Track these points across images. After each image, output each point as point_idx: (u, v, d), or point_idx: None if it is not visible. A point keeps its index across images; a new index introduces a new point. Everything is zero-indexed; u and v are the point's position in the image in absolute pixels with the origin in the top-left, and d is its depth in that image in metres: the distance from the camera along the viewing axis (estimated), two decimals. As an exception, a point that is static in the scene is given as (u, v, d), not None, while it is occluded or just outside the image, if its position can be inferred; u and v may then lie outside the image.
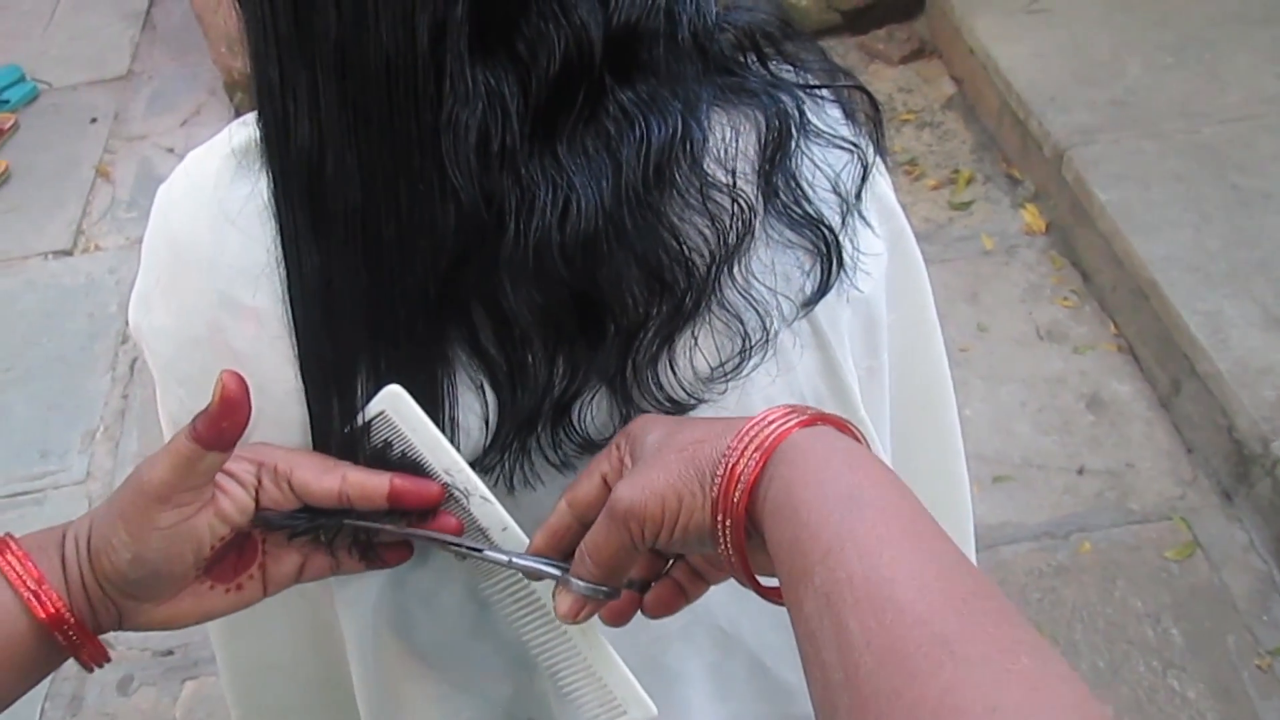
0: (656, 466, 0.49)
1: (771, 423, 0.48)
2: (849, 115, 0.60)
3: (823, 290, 0.58)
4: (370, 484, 0.54)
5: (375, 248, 0.51)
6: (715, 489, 0.47)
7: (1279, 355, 1.86)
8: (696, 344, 0.56)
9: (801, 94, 0.57)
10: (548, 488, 0.57)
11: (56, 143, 3.15)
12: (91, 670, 0.54)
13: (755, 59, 0.56)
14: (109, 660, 0.54)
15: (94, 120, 3.21)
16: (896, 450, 0.70)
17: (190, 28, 3.17)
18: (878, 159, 0.60)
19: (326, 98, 0.49)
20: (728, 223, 0.54)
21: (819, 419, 0.49)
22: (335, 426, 0.55)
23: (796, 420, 0.48)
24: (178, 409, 0.60)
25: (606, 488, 0.53)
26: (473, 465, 0.55)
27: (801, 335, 0.59)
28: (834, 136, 0.58)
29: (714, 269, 0.54)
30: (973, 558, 0.92)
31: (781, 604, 0.47)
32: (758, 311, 0.56)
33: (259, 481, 0.54)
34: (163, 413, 0.62)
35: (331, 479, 0.54)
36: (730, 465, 0.47)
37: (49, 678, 1.78)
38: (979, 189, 2.56)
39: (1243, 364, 1.86)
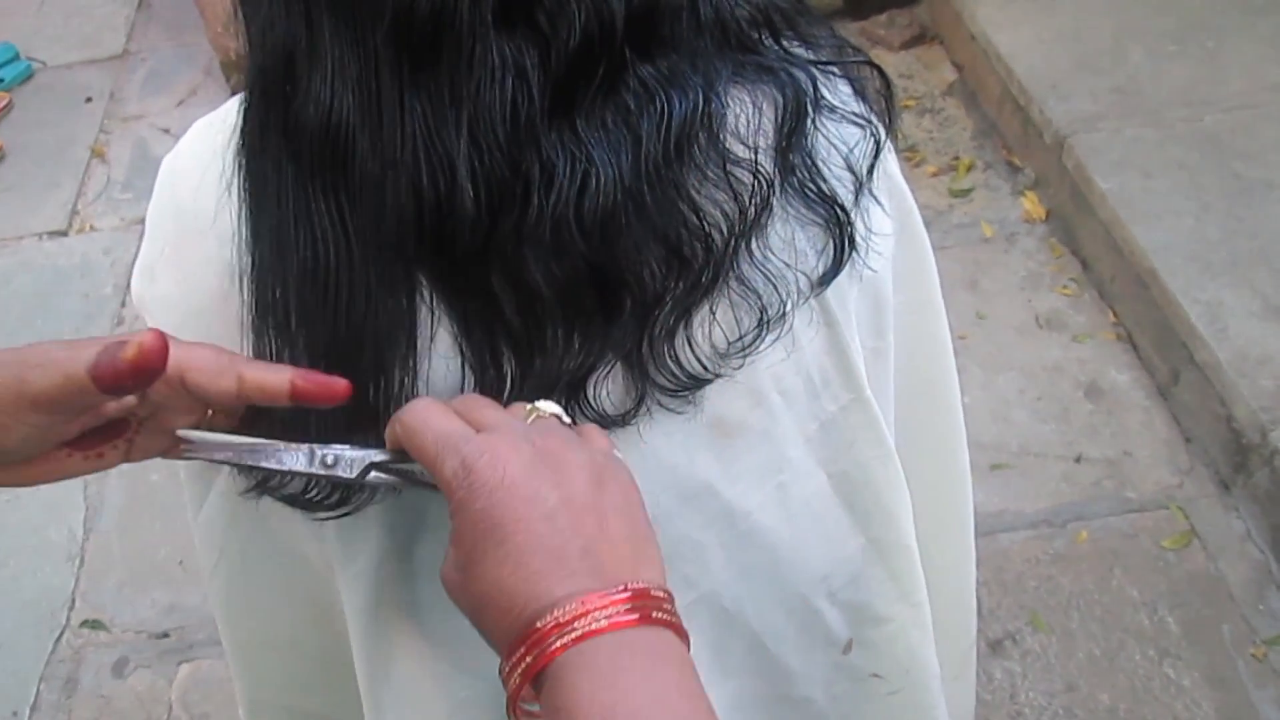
0: (465, 595, 0.47)
1: (588, 615, 0.43)
2: (858, 92, 0.59)
3: (836, 268, 0.58)
4: (269, 381, 0.50)
5: (392, 216, 0.50)
6: (519, 639, 0.44)
7: (1278, 345, 1.86)
8: (715, 319, 0.56)
9: (815, 70, 0.56)
10: None
11: (51, 122, 3.12)
12: None
13: (769, 35, 0.56)
14: None
15: (89, 100, 3.19)
16: (899, 434, 0.70)
17: (186, 7, 3.14)
18: (888, 137, 0.60)
19: (355, 58, 0.48)
20: (747, 198, 0.53)
21: (647, 620, 0.45)
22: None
23: (610, 623, 0.43)
24: None
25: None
26: None
27: (810, 313, 0.59)
28: (847, 112, 0.58)
29: (732, 244, 0.53)
30: (972, 541, 0.92)
31: None
32: (775, 287, 0.56)
33: None
34: None
35: (227, 379, 0.50)
36: (533, 641, 0.44)
37: (44, 660, 1.76)
38: (979, 176, 2.55)
39: (1242, 354, 1.85)
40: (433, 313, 0.53)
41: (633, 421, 0.57)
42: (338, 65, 0.49)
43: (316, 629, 0.71)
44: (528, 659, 0.43)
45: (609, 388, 0.56)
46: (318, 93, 0.49)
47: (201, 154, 0.58)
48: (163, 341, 0.46)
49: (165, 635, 1.88)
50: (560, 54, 0.48)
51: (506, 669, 0.44)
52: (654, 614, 0.45)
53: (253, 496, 0.58)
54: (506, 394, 0.54)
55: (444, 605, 0.64)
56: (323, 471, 0.53)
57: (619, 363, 0.55)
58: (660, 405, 0.57)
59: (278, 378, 0.50)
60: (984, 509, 1.85)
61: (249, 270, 0.53)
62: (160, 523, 2.02)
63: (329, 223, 0.51)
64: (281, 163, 0.52)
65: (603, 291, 0.53)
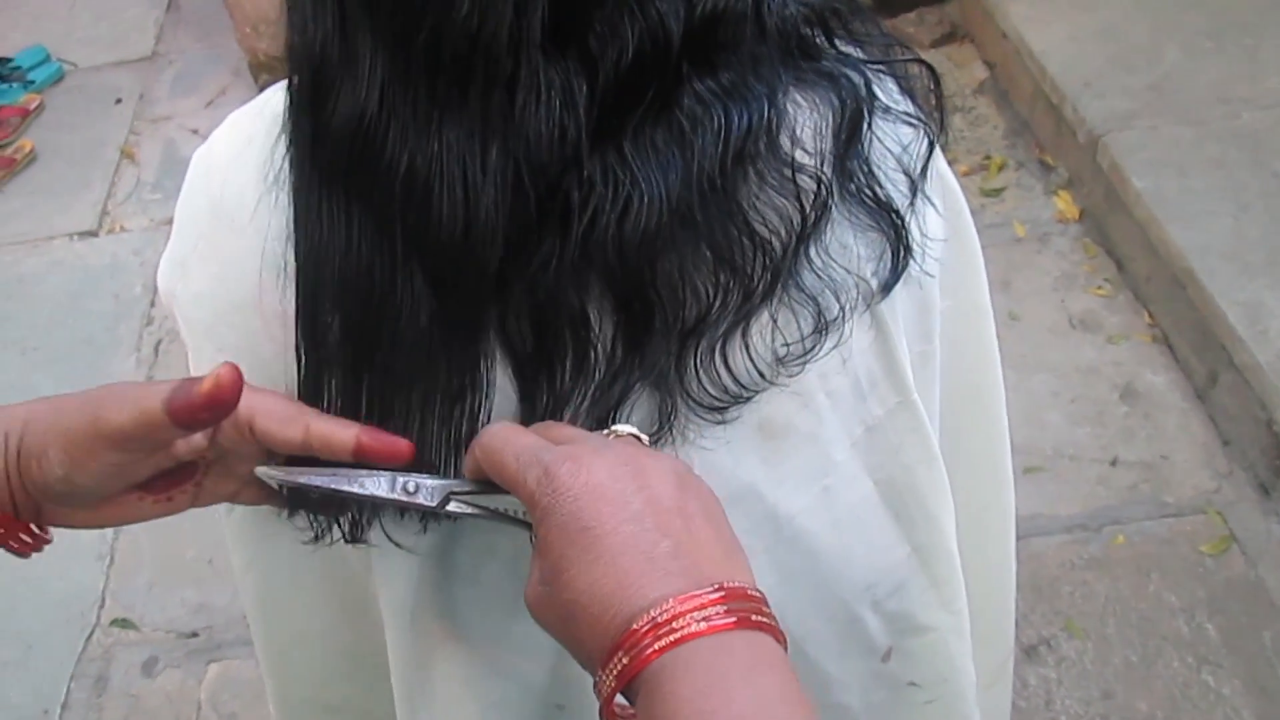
0: (550, 611, 0.46)
1: (685, 616, 0.42)
2: (905, 90, 0.58)
3: (895, 276, 0.56)
4: (336, 436, 0.51)
5: (425, 231, 0.49)
6: (601, 672, 0.43)
7: (1320, 347, 1.82)
8: (776, 326, 0.55)
9: (868, 71, 0.55)
10: None
11: (82, 124, 3.15)
12: (27, 556, 0.52)
13: (823, 36, 0.55)
14: (48, 541, 0.52)
15: (119, 101, 3.22)
16: (944, 440, 0.68)
17: (215, 9, 3.16)
18: (940, 136, 0.58)
19: (392, 71, 0.47)
20: (806, 205, 0.52)
21: (745, 624, 0.43)
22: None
23: (709, 626, 0.42)
24: None
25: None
26: None
27: (857, 315, 0.58)
28: (900, 112, 0.57)
29: (791, 250, 0.52)
30: (1013, 550, 0.91)
31: None
32: (835, 293, 0.55)
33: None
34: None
35: (294, 429, 0.50)
36: (629, 644, 0.42)
37: (74, 658, 1.77)
38: (1011, 175, 2.52)
39: (1283, 355, 1.82)
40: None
41: (668, 434, 0.56)
42: (369, 76, 0.48)
43: (349, 624, 0.71)
44: (623, 661, 0.42)
45: (637, 413, 0.55)
46: (347, 101, 0.48)
47: (235, 143, 0.57)
48: (237, 374, 0.47)
49: (194, 635, 1.88)
50: (609, 78, 0.47)
51: (600, 675, 0.43)
52: (752, 617, 0.43)
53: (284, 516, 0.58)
54: (538, 416, 0.53)
55: (481, 607, 0.64)
56: (404, 498, 0.52)
57: (650, 385, 0.54)
58: (701, 419, 0.56)
59: (345, 433, 0.51)
60: (1017, 513, 1.80)
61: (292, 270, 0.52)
62: (189, 522, 2.01)
63: (359, 233, 0.50)
64: (306, 166, 0.51)
65: (638, 314, 0.52)
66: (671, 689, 0.41)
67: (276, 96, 0.54)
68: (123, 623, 1.91)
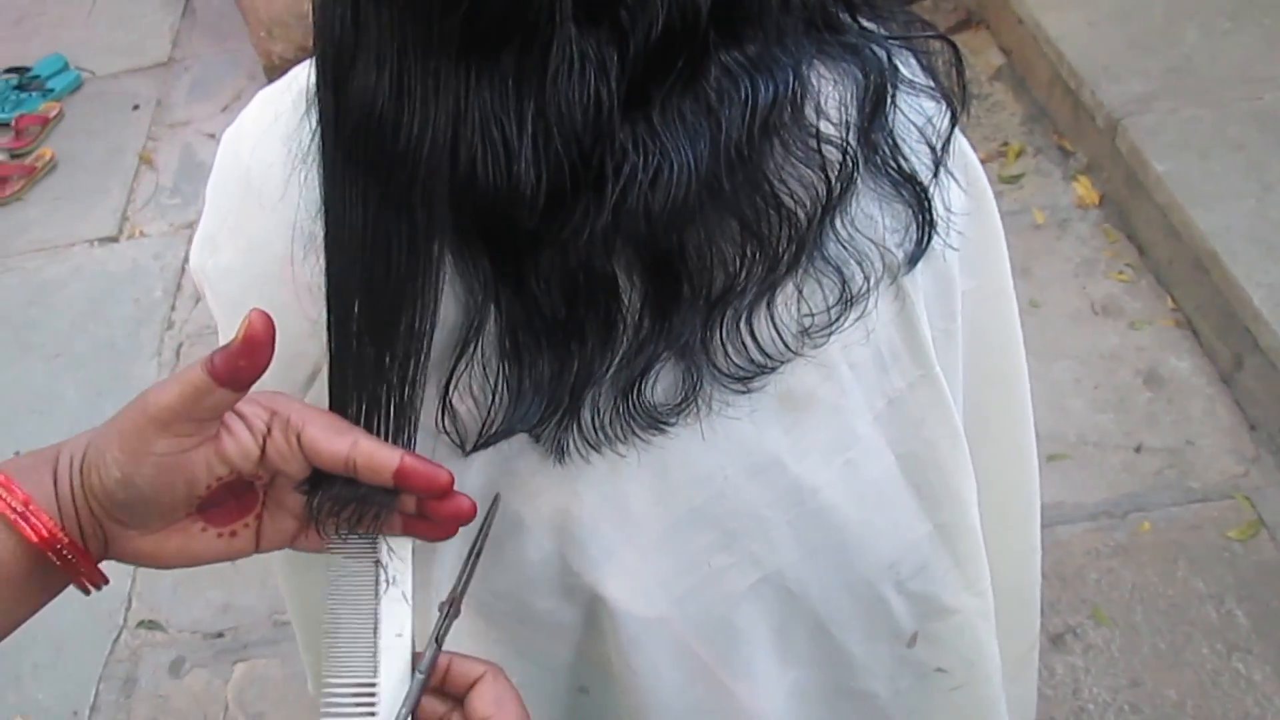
0: None
1: None
2: (925, 66, 0.58)
3: (920, 248, 0.57)
4: (380, 456, 0.51)
5: (463, 191, 0.49)
6: None
7: (1347, 328, 1.80)
8: (802, 296, 0.55)
9: (890, 45, 0.55)
10: (597, 464, 0.56)
11: (100, 130, 3.18)
12: (88, 593, 0.52)
13: (847, 10, 0.55)
14: (106, 583, 0.52)
15: (136, 107, 3.24)
16: (968, 425, 0.68)
17: (230, 13, 3.18)
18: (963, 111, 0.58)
19: (411, 44, 0.47)
20: (831, 176, 0.52)
21: None
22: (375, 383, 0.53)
23: None
24: None
25: None
26: (526, 430, 0.54)
27: (881, 286, 0.58)
28: (923, 85, 0.56)
29: (817, 220, 0.52)
30: (1038, 538, 0.90)
31: None
32: (859, 264, 0.55)
33: (269, 430, 0.51)
34: None
35: (342, 442, 0.51)
36: None
37: (102, 660, 1.79)
38: (1029, 162, 2.50)
39: (1309, 337, 1.80)
40: (480, 308, 0.52)
41: (693, 404, 0.56)
42: (385, 50, 0.47)
43: None
44: None
45: (661, 382, 0.55)
46: (363, 76, 0.48)
47: (263, 120, 0.57)
48: (268, 318, 0.47)
49: (220, 635, 1.90)
50: (639, 49, 0.47)
51: None
52: None
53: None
54: (566, 384, 0.53)
55: (506, 581, 0.63)
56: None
57: (674, 356, 0.54)
58: (724, 388, 0.56)
59: (389, 454, 0.51)
60: (1042, 500, 1.81)
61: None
62: (213, 524, 2.04)
63: (377, 210, 0.50)
64: (329, 143, 0.51)
65: (666, 283, 0.52)
66: None
67: (304, 72, 0.54)
68: (149, 624, 1.92)
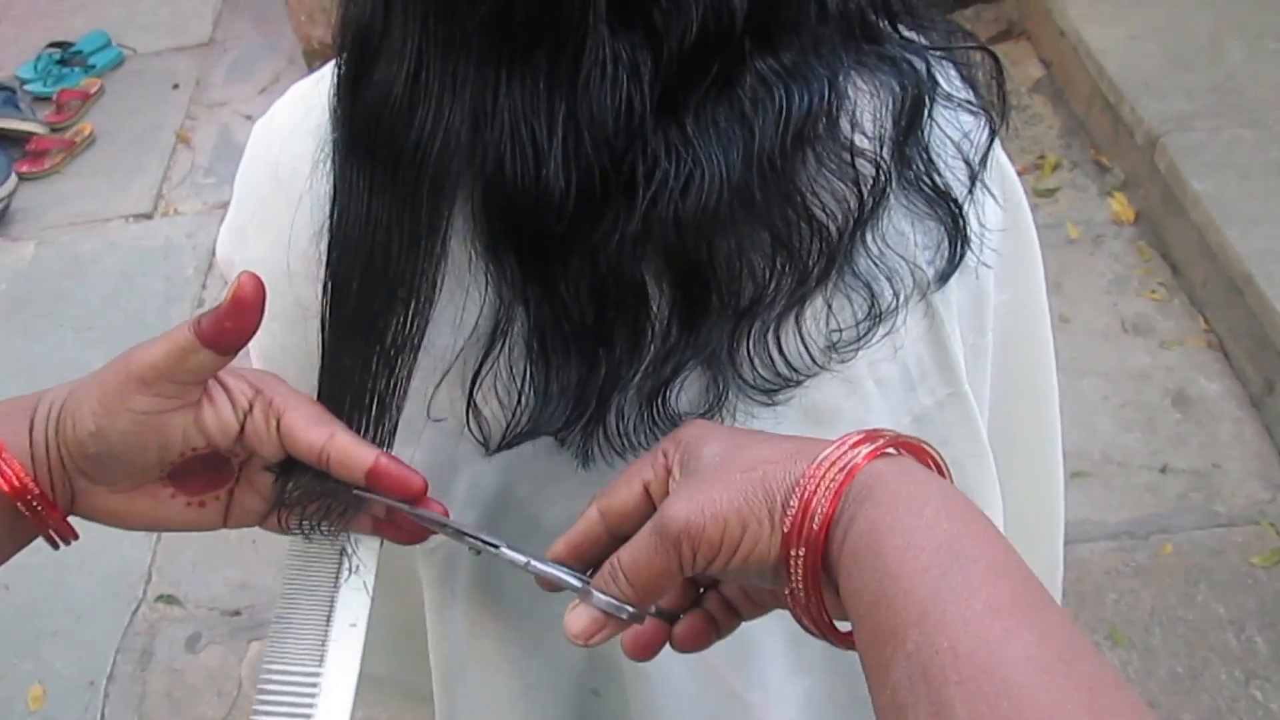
0: (718, 484, 0.44)
1: (853, 447, 0.43)
2: (965, 78, 0.57)
3: (952, 266, 0.56)
4: (354, 453, 0.50)
5: (490, 193, 0.49)
6: (788, 520, 0.43)
7: (1383, 357, 1.77)
8: (830, 310, 0.54)
9: (929, 56, 0.54)
10: (619, 470, 0.55)
11: (139, 108, 3.20)
12: (56, 547, 0.51)
13: (887, 20, 0.54)
14: (75, 537, 0.51)
15: (176, 86, 3.26)
16: (994, 439, 0.67)
17: (272, -4, 3.20)
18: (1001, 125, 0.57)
19: (434, 43, 0.47)
20: (864, 190, 0.51)
21: (899, 444, 0.45)
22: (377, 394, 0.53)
23: (874, 447, 0.43)
24: (270, 344, 0.59)
25: (648, 498, 0.49)
26: (551, 433, 0.53)
27: (910, 303, 0.57)
28: (962, 99, 0.56)
29: (848, 235, 0.52)
30: (1060, 556, 0.89)
31: (850, 648, 0.43)
32: (889, 281, 0.54)
33: (250, 408, 0.50)
34: (254, 350, 0.61)
35: (319, 433, 0.50)
36: (806, 495, 0.42)
37: (120, 632, 1.80)
38: (1065, 176, 2.48)
39: (1343, 365, 1.77)
40: (509, 311, 0.52)
41: (718, 414, 0.56)
42: (405, 48, 0.47)
43: (393, 600, 0.71)
44: (837, 479, 0.43)
45: (687, 391, 0.54)
46: (382, 73, 0.48)
47: (295, 113, 0.57)
48: (257, 280, 0.46)
49: (237, 613, 1.91)
50: (673, 54, 0.46)
51: (792, 524, 0.43)
52: (911, 443, 0.45)
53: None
54: (592, 391, 0.53)
55: (521, 588, 0.63)
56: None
57: (700, 365, 0.54)
58: (749, 400, 0.56)
59: (365, 453, 0.50)
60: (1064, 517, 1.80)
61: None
62: (234, 502, 2.06)
63: (380, 208, 0.50)
64: (343, 139, 0.51)
65: (695, 292, 0.51)
66: (897, 485, 0.42)
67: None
68: (168, 599, 1.94)
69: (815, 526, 0.42)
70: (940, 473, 0.46)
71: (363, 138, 0.49)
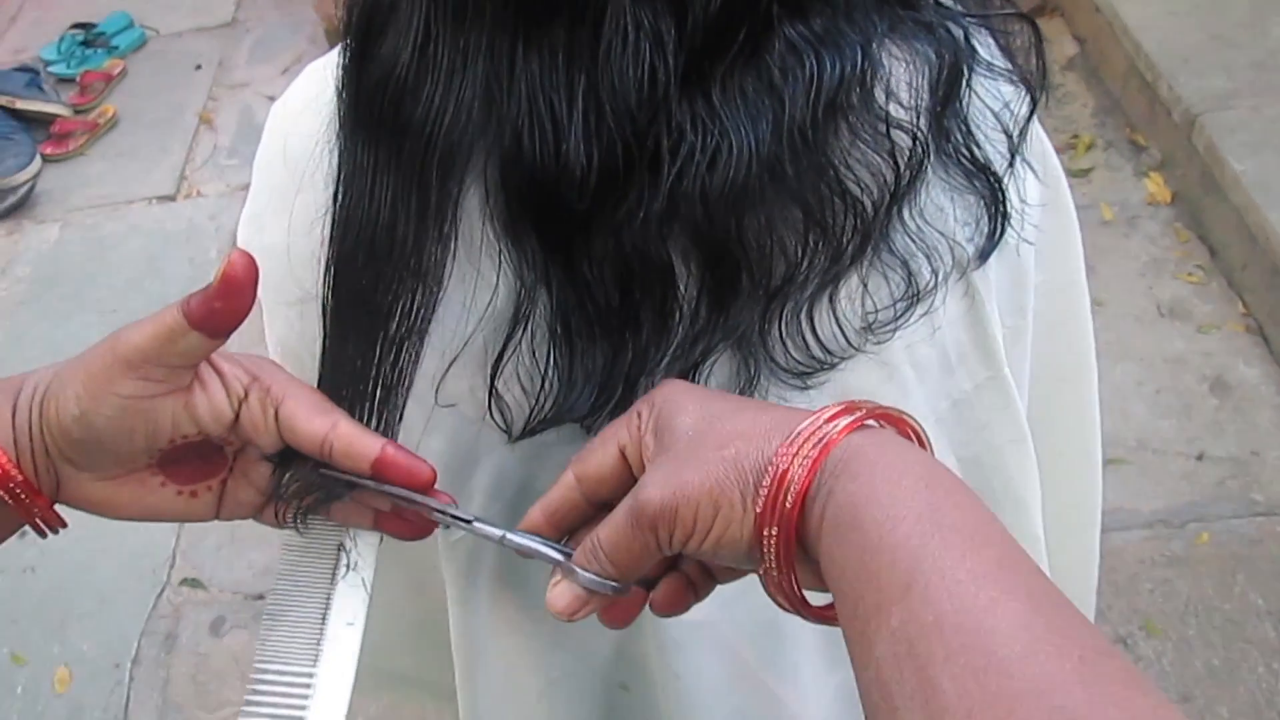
0: (691, 464, 0.43)
1: (829, 421, 0.42)
2: (1003, 47, 0.55)
3: (992, 242, 0.53)
4: (360, 442, 0.48)
5: (508, 170, 0.47)
6: (760, 501, 0.41)
7: None
8: (866, 290, 0.52)
9: (966, 23, 0.52)
10: None
11: (162, 89, 3.20)
12: (44, 536, 0.49)
13: None
14: (64, 526, 0.48)
15: (198, 67, 3.26)
16: (1033, 420, 0.65)
17: (294, -24, 3.18)
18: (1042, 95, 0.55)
19: (442, 16, 0.45)
20: (900, 163, 0.49)
21: (878, 415, 0.43)
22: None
23: (852, 420, 0.42)
24: (287, 332, 0.58)
25: (624, 462, 0.48)
26: (576, 420, 0.52)
27: (949, 282, 0.54)
28: (1001, 69, 0.53)
29: (884, 210, 0.49)
30: (1097, 544, 0.87)
31: (831, 623, 0.42)
32: (927, 258, 0.52)
33: (245, 395, 0.48)
34: (270, 338, 0.60)
35: (322, 422, 0.48)
36: (779, 471, 0.41)
37: (145, 615, 1.80)
38: (1099, 155, 2.43)
39: (1389, 350, 1.73)
40: (531, 294, 0.50)
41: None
42: (417, 14, 0.45)
43: (415, 595, 0.70)
44: (812, 452, 0.41)
45: (717, 374, 0.52)
46: (387, 50, 0.46)
47: (307, 94, 0.56)
48: (249, 259, 0.44)
49: (260, 597, 1.91)
50: (697, 21, 0.44)
51: (765, 504, 0.42)
52: (866, 421, 0.43)
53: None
54: (619, 374, 0.51)
55: (543, 578, 0.62)
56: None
57: (730, 348, 0.52)
58: (781, 384, 0.53)
59: (371, 442, 0.48)
60: (1097, 505, 1.77)
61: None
62: (258, 486, 2.06)
63: (384, 189, 0.48)
64: (349, 118, 0.49)
65: (725, 272, 0.49)
66: (875, 456, 0.40)
67: None
68: (192, 582, 1.94)
69: (789, 504, 0.41)
70: (921, 444, 0.45)
71: (367, 113, 0.47)
